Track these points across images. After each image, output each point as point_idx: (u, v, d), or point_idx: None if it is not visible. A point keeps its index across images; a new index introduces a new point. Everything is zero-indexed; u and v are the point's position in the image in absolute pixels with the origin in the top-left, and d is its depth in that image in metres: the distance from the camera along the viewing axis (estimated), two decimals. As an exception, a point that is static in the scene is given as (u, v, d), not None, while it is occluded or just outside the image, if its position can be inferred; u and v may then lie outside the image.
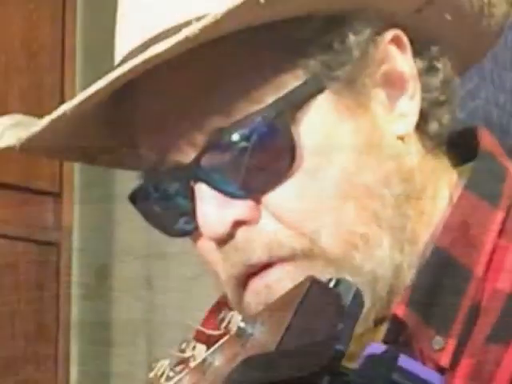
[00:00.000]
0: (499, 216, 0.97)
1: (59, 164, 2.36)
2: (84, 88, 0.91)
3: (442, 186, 1.02)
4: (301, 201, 0.94)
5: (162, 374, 0.71)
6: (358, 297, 0.64)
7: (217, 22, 0.86)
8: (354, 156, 0.96)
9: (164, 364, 0.72)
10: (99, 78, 0.91)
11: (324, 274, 0.85)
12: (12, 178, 2.30)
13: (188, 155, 0.94)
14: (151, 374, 0.72)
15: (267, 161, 0.94)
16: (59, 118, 0.92)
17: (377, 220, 0.96)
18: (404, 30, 0.97)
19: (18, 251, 2.30)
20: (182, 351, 0.70)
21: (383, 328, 0.93)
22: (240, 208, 0.93)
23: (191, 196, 0.95)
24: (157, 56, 0.88)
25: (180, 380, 0.70)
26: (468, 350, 0.92)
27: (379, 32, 0.97)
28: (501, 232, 0.96)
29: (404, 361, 0.62)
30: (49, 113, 0.92)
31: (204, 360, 0.68)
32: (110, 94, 0.93)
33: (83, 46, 2.48)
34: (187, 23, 0.90)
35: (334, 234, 0.96)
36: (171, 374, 0.71)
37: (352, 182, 0.95)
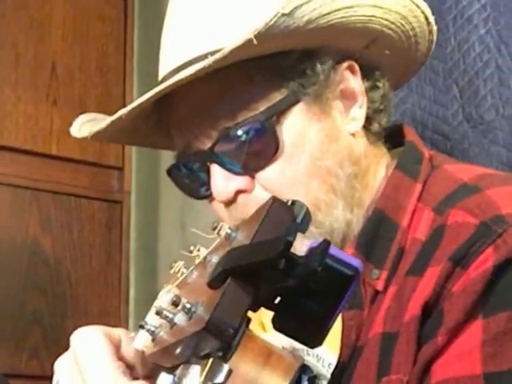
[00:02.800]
0: (418, 187, 1.03)
1: (122, 148, 2.39)
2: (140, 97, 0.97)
3: (381, 167, 1.08)
4: (282, 177, 1.00)
5: (179, 270, 0.73)
6: (307, 213, 0.64)
7: (224, 57, 0.92)
8: (319, 147, 1.01)
9: (180, 264, 0.74)
10: (150, 90, 1.00)
11: None
12: (90, 157, 2.33)
13: (205, 144, 1.01)
14: (171, 271, 0.75)
15: (259, 149, 1.00)
16: (117, 119, 1.02)
17: (333, 191, 1.01)
18: (356, 60, 1.05)
19: (94, 207, 2.34)
20: (191, 252, 0.71)
21: None
22: (240, 181, 1.00)
23: (207, 172, 1.02)
24: (181, 80, 0.95)
25: (190, 273, 0.70)
26: (394, 280, 0.97)
27: (338, 62, 1.03)
28: (419, 198, 1.02)
29: (333, 250, 0.60)
30: (116, 111, 1.00)
31: (205, 258, 0.68)
32: (151, 104, 1.00)
33: (139, 68, 2.46)
34: (204, 56, 0.96)
35: (303, 200, 0.98)
36: (184, 270, 0.72)
37: (316, 165, 1.00)
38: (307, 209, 0.64)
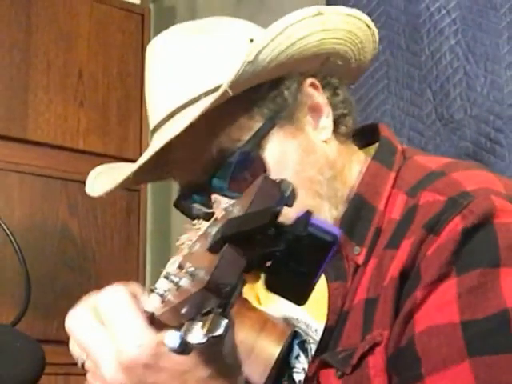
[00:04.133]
0: (392, 175, 1.03)
1: (139, 143, 2.39)
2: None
3: (354, 162, 1.08)
4: None
5: (183, 243, 0.72)
6: (293, 190, 0.64)
7: (205, 108, 0.94)
8: (299, 161, 1.01)
9: (185, 237, 0.73)
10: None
11: None
12: (112, 151, 2.37)
13: (203, 177, 1.02)
14: (177, 243, 0.74)
15: (250, 173, 1.00)
16: (125, 179, 1.06)
17: (319, 195, 1.01)
18: (315, 75, 1.06)
19: (115, 195, 2.33)
20: (194, 225, 0.71)
21: None
22: None
23: (209, 199, 1.01)
24: (172, 136, 0.95)
25: (194, 244, 0.70)
26: (373, 254, 0.97)
27: (301, 82, 1.04)
28: (393, 184, 1.02)
29: (316, 220, 0.61)
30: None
31: (206, 230, 0.68)
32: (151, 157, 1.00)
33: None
34: (186, 104, 0.99)
35: (294, 208, 0.89)
36: (189, 242, 0.71)
37: (300, 176, 1.01)
38: (293, 187, 0.65)
